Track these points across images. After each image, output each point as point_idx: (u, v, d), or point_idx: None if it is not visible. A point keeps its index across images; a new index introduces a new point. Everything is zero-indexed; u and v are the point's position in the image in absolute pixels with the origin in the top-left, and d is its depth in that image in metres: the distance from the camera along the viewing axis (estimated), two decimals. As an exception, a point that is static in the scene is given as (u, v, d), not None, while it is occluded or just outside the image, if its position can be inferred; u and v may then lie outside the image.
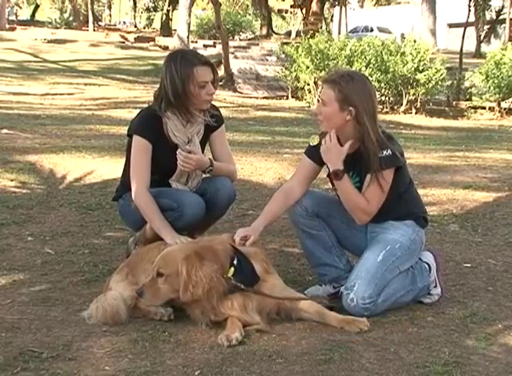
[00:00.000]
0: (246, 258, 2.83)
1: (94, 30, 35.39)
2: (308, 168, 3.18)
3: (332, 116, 2.99)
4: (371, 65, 14.98)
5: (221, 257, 2.79)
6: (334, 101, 2.96)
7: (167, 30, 35.15)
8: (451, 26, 36.63)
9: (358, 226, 3.18)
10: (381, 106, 15.71)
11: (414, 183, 3.30)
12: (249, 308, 2.80)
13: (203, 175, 3.49)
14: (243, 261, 2.82)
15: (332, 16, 43.48)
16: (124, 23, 51.20)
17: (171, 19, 36.99)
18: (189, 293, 2.71)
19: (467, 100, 16.73)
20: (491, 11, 33.45)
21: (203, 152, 3.56)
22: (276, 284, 2.91)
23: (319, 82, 15.03)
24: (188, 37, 24.63)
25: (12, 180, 5.07)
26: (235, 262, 2.79)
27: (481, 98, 15.74)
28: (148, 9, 46.32)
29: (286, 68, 16.55)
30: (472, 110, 16.10)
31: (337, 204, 3.13)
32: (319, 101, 3.11)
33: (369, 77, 13.35)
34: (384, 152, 2.96)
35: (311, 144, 3.17)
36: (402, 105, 15.26)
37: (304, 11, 33.63)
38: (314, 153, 3.15)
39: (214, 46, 24.35)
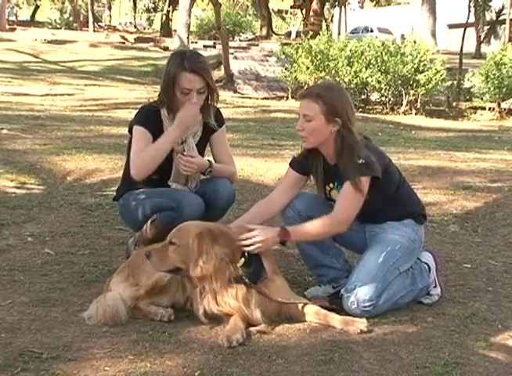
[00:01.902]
0: (256, 253, 2.85)
1: (94, 30, 35.41)
2: (293, 179, 3.17)
3: (318, 130, 2.96)
4: (371, 65, 14.99)
5: (235, 244, 2.82)
6: (320, 114, 2.93)
7: (167, 30, 35.16)
8: (451, 26, 36.63)
9: (355, 227, 3.17)
10: (381, 107, 15.74)
11: (407, 181, 3.26)
12: (252, 302, 2.80)
13: (203, 177, 3.49)
14: (253, 254, 2.83)
15: (332, 17, 43.49)
16: (131, 23, 50.50)
17: (171, 20, 37.00)
18: (200, 268, 2.73)
19: (467, 101, 16.73)
20: (491, 11, 33.45)
21: (203, 153, 3.57)
22: (282, 287, 2.92)
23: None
24: (188, 37, 24.63)
25: (12, 180, 5.07)
26: (246, 253, 2.82)
27: (481, 98, 15.74)
28: (148, 10, 46.34)
29: (286, 69, 16.55)
30: (472, 111, 16.09)
31: (329, 206, 3.10)
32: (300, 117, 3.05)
33: (370, 78, 13.28)
34: (361, 160, 2.90)
35: (296, 156, 3.17)
36: (401, 105, 15.26)
37: (304, 11, 33.66)
38: (297, 164, 3.15)
39: (214, 47, 24.35)
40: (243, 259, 2.80)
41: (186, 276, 2.84)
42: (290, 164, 3.21)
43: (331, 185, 3.10)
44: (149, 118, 3.39)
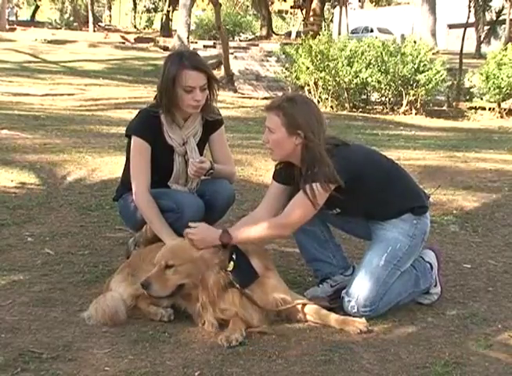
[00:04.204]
0: (243, 254, 2.85)
1: (94, 30, 35.43)
2: (277, 191, 3.11)
3: (281, 142, 2.93)
4: (371, 66, 14.99)
5: (221, 251, 2.84)
6: (281, 127, 2.91)
7: (167, 30, 35.16)
8: (451, 27, 36.63)
9: (354, 220, 3.17)
10: (381, 107, 15.74)
11: (404, 175, 3.17)
12: (248, 305, 2.80)
13: (203, 177, 3.49)
14: (240, 256, 2.84)
15: (332, 17, 43.49)
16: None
17: (171, 20, 36.98)
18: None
19: (467, 101, 16.73)
20: (491, 12, 33.46)
21: (202, 153, 3.57)
22: (277, 284, 2.91)
23: (319, 83, 15.08)
24: (188, 37, 24.63)
25: (12, 180, 5.07)
26: (233, 256, 2.82)
27: (481, 98, 15.75)
28: (148, 10, 46.30)
29: (286, 69, 16.56)
30: (472, 111, 16.10)
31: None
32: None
33: (370, 78, 13.17)
34: (316, 168, 2.86)
35: (278, 168, 3.13)
36: (402, 105, 15.26)
37: (304, 11, 33.66)
38: (280, 175, 3.11)
39: (214, 47, 24.36)
40: (232, 263, 2.80)
41: (186, 294, 2.85)
42: (272, 176, 3.17)
43: None
44: (148, 126, 3.38)
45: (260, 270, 2.86)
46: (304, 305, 2.91)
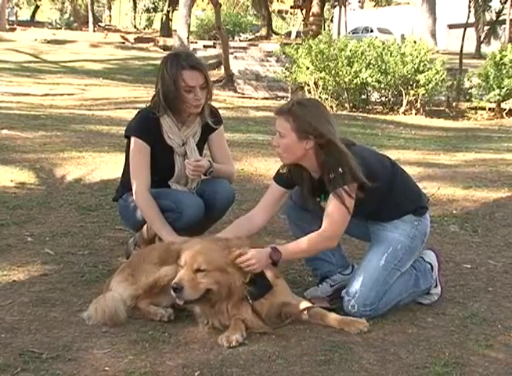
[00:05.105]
0: None
1: (94, 30, 35.45)
2: (277, 193, 3.14)
3: (291, 147, 2.93)
4: (371, 66, 14.99)
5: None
6: (291, 131, 2.90)
7: (167, 30, 35.16)
8: (451, 27, 36.62)
9: (355, 221, 3.17)
10: (381, 107, 15.73)
11: (405, 175, 3.19)
12: (254, 315, 2.80)
13: (203, 177, 3.49)
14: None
15: (332, 17, 43.47)
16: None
17: (171, 20, 37.00)
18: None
19: (467, 101, 16.72)
20: (491, 12, 33.43)
21: (201, 153, 3.57)
22: (284, 290, 2.92)
23: (319, 83, 15.08)
24: (188, 37, 24.63)
25: (12, 180, 5.07)
26: None
27: (481, 99, 15.74)
28: (148, 10, 46.34)
29: (286, 69, 16.56)
30: (472, 111, 16.09)
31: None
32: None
33: (370, 78, 13.13)
34: (340, 170, 2.85)
35: (281, 171, 3.13)
36: (402, 106, 15.26)
37: (304, 11, 33.65)
38: (282, 179, 3.12)
39: (214, 47, 24.36)
40: (249, 274, 2.80)
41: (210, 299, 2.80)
42: (274, 178, 3.18)
43: (318, 198, 3.07)
44: (147, 127, 3.38)
45: (271, 280, 2.86)
46: (308, 309, 2.90)
